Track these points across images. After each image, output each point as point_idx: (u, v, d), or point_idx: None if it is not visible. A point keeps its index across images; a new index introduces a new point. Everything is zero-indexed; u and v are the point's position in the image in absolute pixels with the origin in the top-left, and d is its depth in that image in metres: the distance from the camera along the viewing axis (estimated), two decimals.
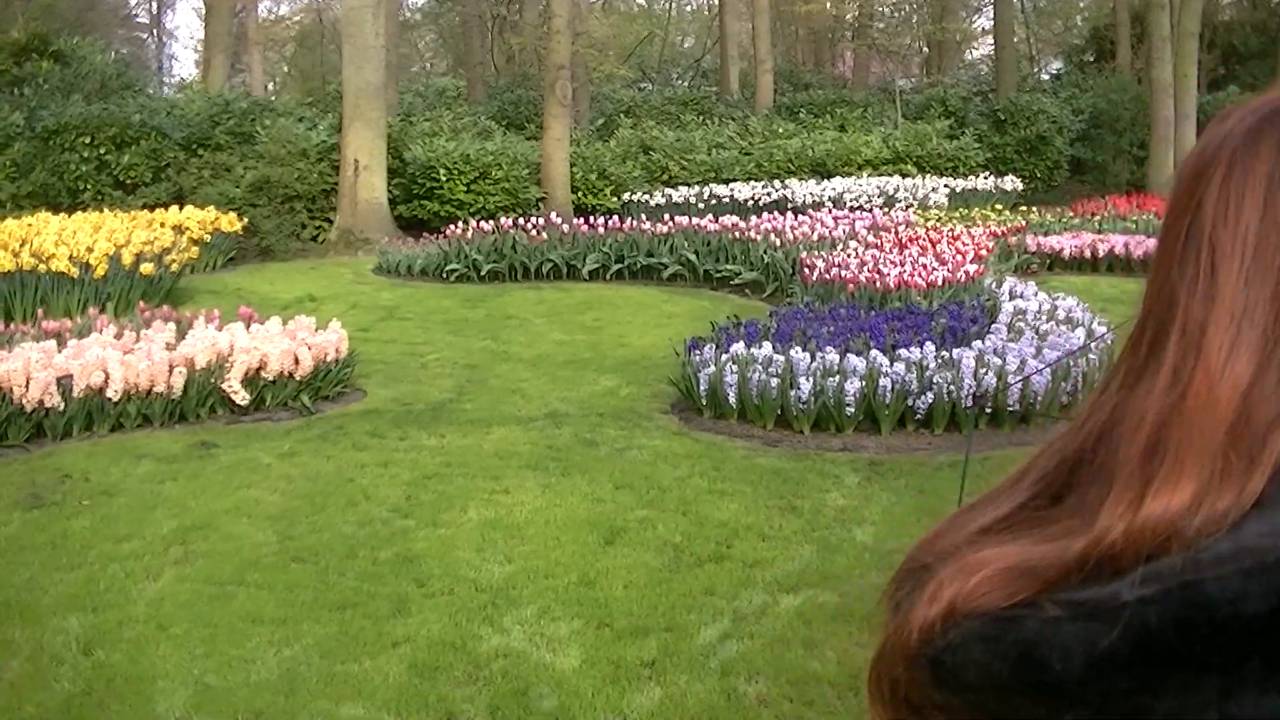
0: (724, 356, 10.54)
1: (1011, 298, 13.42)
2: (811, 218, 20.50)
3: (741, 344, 10.74)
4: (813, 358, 10.32)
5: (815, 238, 18.35)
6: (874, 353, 10.33)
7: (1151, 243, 17.41)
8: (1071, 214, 23.53)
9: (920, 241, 17.58)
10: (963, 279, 14.31)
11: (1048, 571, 0.90)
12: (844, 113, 33.47)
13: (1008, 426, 10.12)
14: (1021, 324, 11.94)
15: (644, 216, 21.53)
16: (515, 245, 20.01)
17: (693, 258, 19.25)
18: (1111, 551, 0.88)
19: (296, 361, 11.10)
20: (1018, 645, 0.88)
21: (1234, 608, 0.82)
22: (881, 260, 15.43)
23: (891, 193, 25.79)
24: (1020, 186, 29.34)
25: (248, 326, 11.69)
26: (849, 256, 15.96)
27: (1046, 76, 51.30)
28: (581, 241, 20.24)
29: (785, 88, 39.29)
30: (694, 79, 46.56)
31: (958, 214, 23.10)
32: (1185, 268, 0.98)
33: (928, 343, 10.62)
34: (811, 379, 9.94)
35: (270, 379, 10.97)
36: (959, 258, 15.69)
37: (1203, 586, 0.83)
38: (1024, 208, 25.09)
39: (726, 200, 26.41)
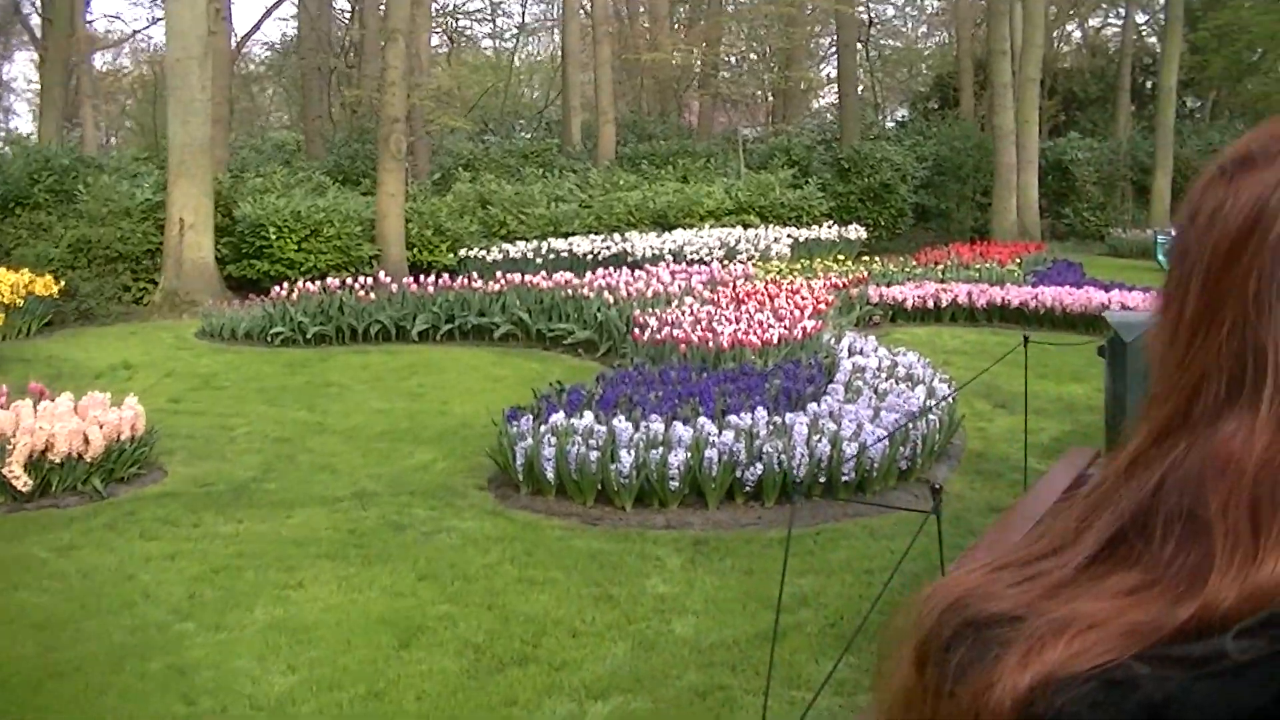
0: (543, 428, 9.94)
1: (851, 354, 13.04)
2: (649, 273, 20.06)
3: (562, 414, 10.14)
4: (636, 427, 9.77)
5: (650, 294, 17.84)
6: (702, 420, 9.81)
7: (995, 291, 17.01)
8: (915, 263, 23.26)
9: (758, 296, 17.16)
10: (800, 335, 13.85)
11: (1153, 635, 0.80)
12: (686, 163, 33.10)
13: (843, 496, 9.60)
14: (860, 382, 11.53)
15: (478, 274, 20.95)
16: (343, 306, 19.27)
17: (525, 317, 18.67)
18: (1224, 616, 0.79)
19: (87, 441, 10.28)
20: (1145, 709, 0.77)
21: None
22: (717, 317, 14.96)
23: (733, 244, 25.40)
24: (864, 235, 29.19)
25: (36, 404, 10.81)
26: (683, 314, 15.47)
27: (892, 124, 51.62)
28: (411, 301, 19.56)
29: (629, 138, 38.96)
30: (537, 131, 45.93)
31: (799, 265, 22.79)
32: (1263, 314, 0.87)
33: (759, 408, 10.11)
34: (634, 451, 9.36)
35: (57, 461, 10.13)
36: (797, 312, 15.30)
37: None
38: (866, 257, 24.90)
39: (565, 255, 25.87)
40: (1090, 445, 9.51)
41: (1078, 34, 54.99)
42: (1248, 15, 39.73)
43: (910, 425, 10.13)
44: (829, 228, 28.72)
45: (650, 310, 16.30)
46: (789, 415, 10.02)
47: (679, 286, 18.42)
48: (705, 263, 24.12)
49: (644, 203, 28.87)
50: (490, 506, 9.77)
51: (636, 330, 15.07)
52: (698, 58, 42.63)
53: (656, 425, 9.71)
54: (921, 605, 0.91)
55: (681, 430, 9.57)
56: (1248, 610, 0.77)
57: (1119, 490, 0.91)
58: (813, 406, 10.43)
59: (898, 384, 11.58)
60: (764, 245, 25.51)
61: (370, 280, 20.04)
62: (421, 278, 20.65)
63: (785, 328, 14.09)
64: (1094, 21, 54.25)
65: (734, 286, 18.34)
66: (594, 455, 9.46)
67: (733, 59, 49.12)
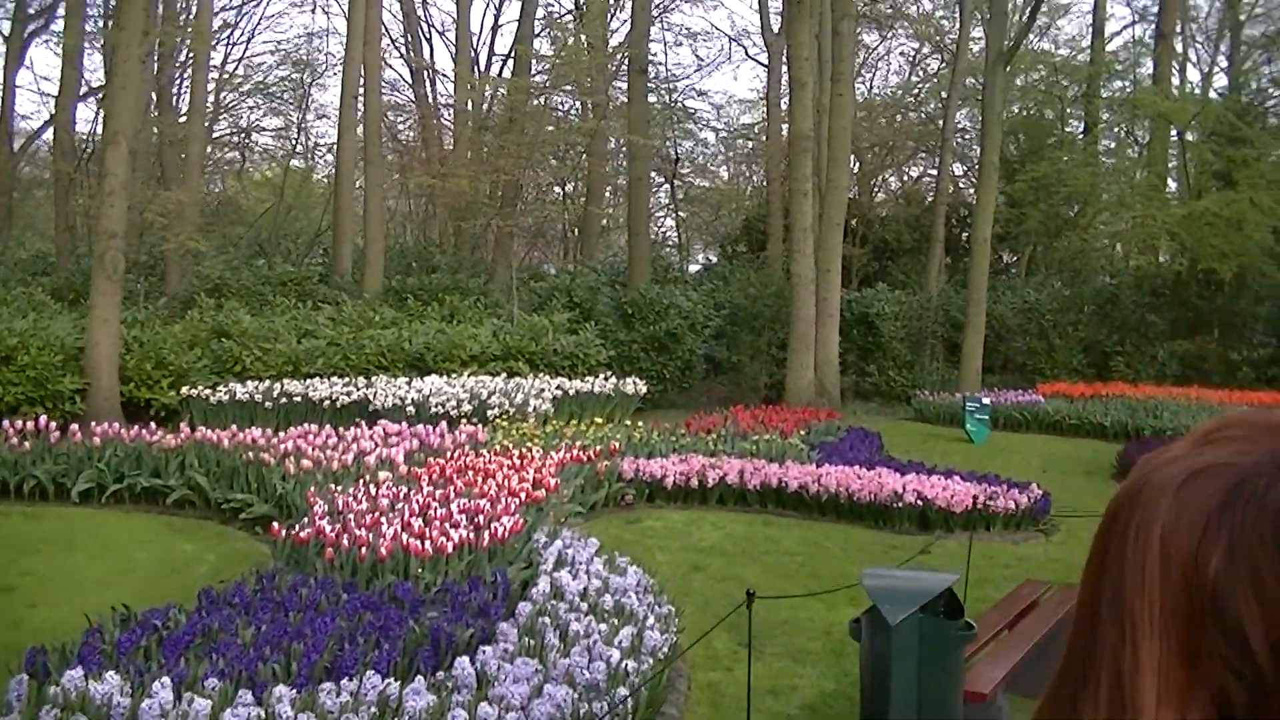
0: (53, 689, 6.82)
1: (558, 565, 10.11)
2: (357, 434, 16.96)
3: (80, 670, 6.99)
4: (179, 697, 6.69)
5: (335, 466, 14.72)
6: (280, 691, 6.77)
7: (771, 470, 14.05)
8: (684, 430, 20.35)
9: (477, 471, 14.20)
10: (494, 538, 10.80)
11: None
12: (455, 300, 30.10)
13: None
14: (553, 613, 8.61)
15: (200, 416, 17.63)
16: None
17: (203, 481, 15.44)
18: None
19: None
20: None
21: None
22: (409, 502, 11.90)
23: (485, 397, 22.44)
24: (644, 389, 26.45)
25: None
26: (362, 495, 12.36)
27: (697, 267, 49.43)
28: (76, 454, 16.20)
29: (410, 268, 36.09)
30: (310, 255, 42.56)
31: (552, 427, 19.95)
32: (1109, 620, 1.08)
33: (379, 669, 7.13)
34: None
35: None
36: (512, 501, 12.30)
37: None
38: (629, 422, 22.04)
39: (299, 399, 22.82)
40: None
41: (895, 182, 53.46)
42: (1065, 168, 38.29)
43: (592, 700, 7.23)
44: (607, 379, 25.95)
45: (331, 487, 13.22)
46: (415, 683, 7.02)
47: (382, 455, 15.25)
48: (452, 418, 21.27)
49: (397, 343, 25.85)
50: None
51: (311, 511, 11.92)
52: (493, 186, 39.70)
53: (203, 701, 6.62)
54: None
55: (247, 712, 6.53)
56: None
57: None
58: (462, 664, 7.39)
59: (600, 620, 8.67)
60: (521, 399, 22.56)
61: (21, 425, 16.63)
62: (101, 425, 17.31)
63: (479, 525, 11.05)
64: (914, 170, 52.85)
65: (448, 458, 15.31)
66: None
67: (530, 190, 46.51)
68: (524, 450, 16.23)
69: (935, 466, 17.70)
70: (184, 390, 23.07)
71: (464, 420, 20.65)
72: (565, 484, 14.96)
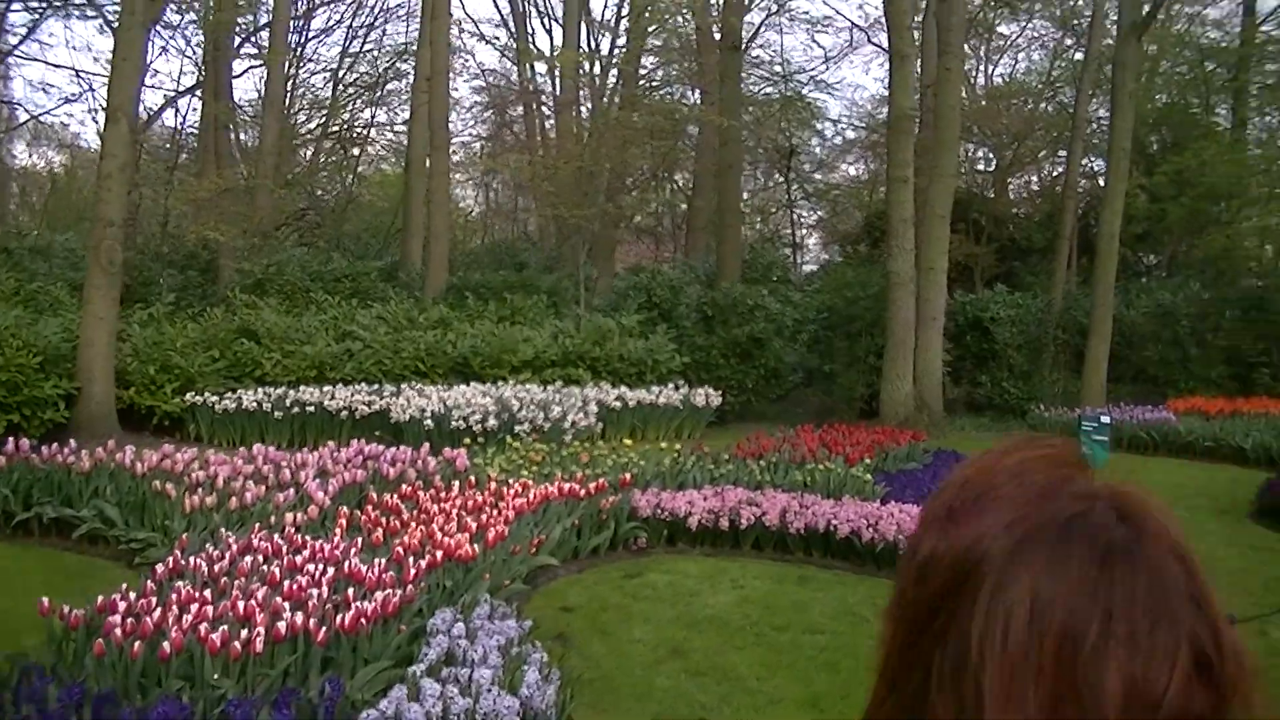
0: None
1: (442, 664, 7.12)
2: (305, 458, 13.98)
3: None
4: None
5: (234, 505, 11.75)
6: None
7: (821, 508, 10.57)
8: (732, 455, 17.04)
9: (424, 512, 11.24)
10: (349, 625, 7.69)
11: None
12: (517, 299, 27.07)
13: None
14: None
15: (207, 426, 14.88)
16: None
17: (114, 513, 12.62)
18: None
19: None
20: None
21: None
22: (280, 561, 8.94)
23: (516, 409, 19.47)
24: (719, 401, 23.32)
25: None
26: (236, 547, 9.42)
27: (812, 268, 46.18)
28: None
29: (493, 266, 33.41)
30: (388, 252, 39.69)
31: (582, 447, 16.87)
32: (944, 683, 1.08)
33: None
34: None
35: None
36: (418, 561, 9.26)
37: None
38: (696, 439, 18.91)
39: (312, 409, 20.13)
40: None
41: (1034, 179, 49.70)
42: (1209, 159, 34.23)
43: None
44: (675, 389, 22.89)
45: (223, 533, 10.30)
46: None
47: (313, 489, 12.24)
48: (474, 433, 18.39)
49: (438, 346, 22.99)
50: None
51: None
52: (595, 175, 36.53)
53: None
54: None
55: None
56: None
57: None
58: None
59: None
60: (559, 413, 19.55)
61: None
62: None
63: (346, 600, 7.98)
64: (1054, 168, 48.89)
65: (399, 493, 12.28)
66: None
67: (635, 182, 43.46)
68: (521, 482, 13.19)
69: None
70: (189, 397, 20.48)
71: (478, 439, 17.79)
72: (546, 527, 11.93)
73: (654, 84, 47.46)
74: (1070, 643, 1.06)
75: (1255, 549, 14.22)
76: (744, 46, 45.72)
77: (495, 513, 11.25)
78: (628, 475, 14.07)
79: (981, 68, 52.60)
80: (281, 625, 7.37)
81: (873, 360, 26.92)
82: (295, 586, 8.10)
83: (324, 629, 7.41)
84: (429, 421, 18.91)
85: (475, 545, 9.94)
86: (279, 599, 7.82)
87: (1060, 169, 45.81)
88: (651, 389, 22.65)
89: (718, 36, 33.26)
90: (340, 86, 48.87)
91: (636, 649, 9.35)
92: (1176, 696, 1.06)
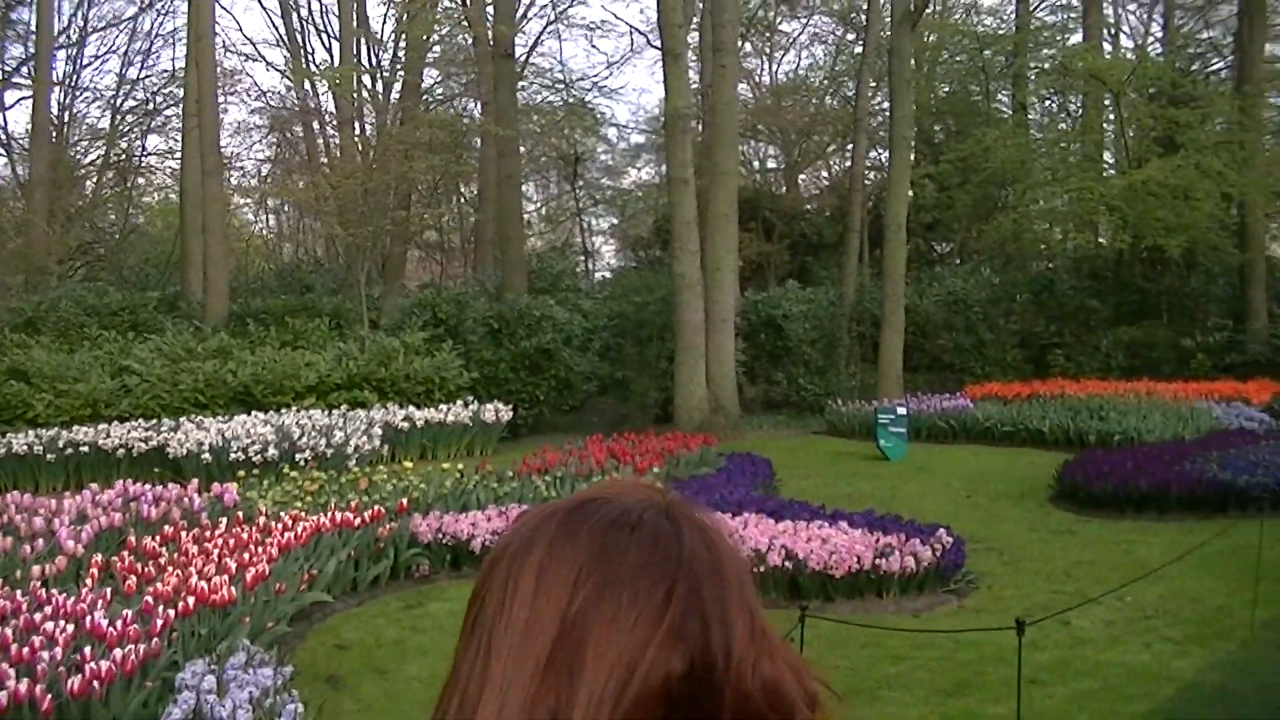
0: None
1: None
2: (57, 505, 13.35)
3: None
4: None
5: None
6: None
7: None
8: (517, 472, 16.78)
9: (184, 558, 10.75)
10: (79, 689, 7.26)
11: None
12: (299, 323, 26.42)
13: None
14: None
15: None
16: None
17: None
18: None
19: None
20: None
21: None
22: (44, 619, 8.43)
23: (297, 437, 18.99)
24: (509, 416, 23.05)
25: None
26: None
27: (607, 275, 46.04)
28: None
29: (274, 290, 32.61)
30: (163, 279, 38.53)
31: (362, 472, 16.42)
32: (468, 650, 1.19)
33: None
34: None
35: None
36: (185, 602, 8.83)
37: None
38: (483, 454, 18.57)
39: (86, 449, 19.40)
40: None
41: (825, 175, 50.20)
42: (991, 145, 34.76)
43: None
44: (464, 406, 22.58)
45: None
46: None
47: (62, 537, 11.65)
48: (254, 464, 17.87)
49: (217, 376, 22.35)
50: None
51: None
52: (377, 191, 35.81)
53: None
54: None
55: None
56: None
57: None
58: None
59: None
60: (341, 438, 19.12)
61: None
62: None
63: (76, 665, 7.52)
64: (843, 162, 49.31)
65: (150, 541, 11.71)
66: None
67: (421, 198, 42.96)
68: (288, 515, 12.72)
69: (822, 506, 14.11)
70: None
71: (255, 471, 17.27)
72: (319, 561, 11.53)
73: (438, 98, 47.08)
74: (568, 600, 1.14)
75: (1056, 533, 14.36)
76: (527, 56, 45.63)
77: (259, 550, 10.79)
78: (404, 500, 13.69)
79: (766, 66, 53.06)
80: (2, 695, 6.92)
81: (665, 365, 26.83)
82: (27, 650, 7.61)
83: (49, 696, 6.96)
84: (207, 455, 18.35)
85: (235, 588, 9.52)
86: (4, 665, 7.33)
87: (849, 163, 46.34)
88: (440, 407, 22.36)
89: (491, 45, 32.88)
90: (118, 115, 47.53)
91: (411, 687, 9.04)
92: (654, 664, 1.12)
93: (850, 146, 43.20)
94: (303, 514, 12.82)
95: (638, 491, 1.26)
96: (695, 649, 1.13)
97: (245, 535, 11.54)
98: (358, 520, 12.57)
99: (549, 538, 1.19)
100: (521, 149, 45.50)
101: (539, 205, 54.96)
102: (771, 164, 50.92)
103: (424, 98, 43.91)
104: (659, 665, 1.12)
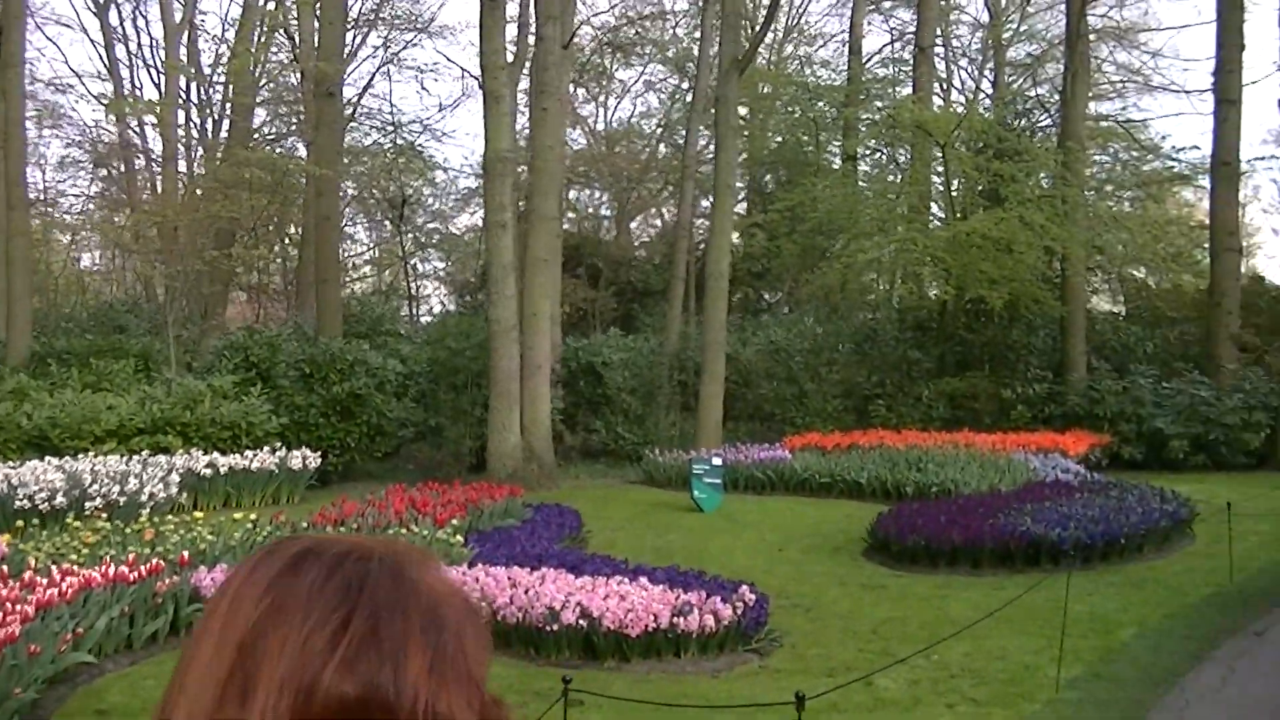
0: None
1: None
2: None
3: None
4: None
5: None
6: None
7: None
8: (312, 522, 16.36)
9: None
10: None
11: None
12: (104, 364, 25.59)
13: None
14: None
15: None
16: None
17: None
18: None
19: None
20: None
21: None
22: None
23: (87, 484, 18.33)
24: (317, 463, 22.57)
25: None
26: None
27: (428, 320, 45.62)
28: None
29: (94, 329, 31.72)
30: None
31: (149, 523, 15.80)
32: (170, 686, 1.19)
33: None
34: None
35: None
36: None
37: None
38: (289, 502, 18.10)
39: None
40: None
41: (657, 222, 50.40)
42: (820, 194, 35.06)
43: None
44: (271, 453, 22.07)
45: None
46: None
47: None
48: (40, 513, 17.18)
49: (10, 419, 21.56)
50: None
51: None
52: (199, 229, 35.03)
53: None
54: None
55: None
56: None
57: None
58: None
59: None
60: (136, 486, 18.51)
61: None
62: None
63: None
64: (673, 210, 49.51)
65: None
66: None
67: (236, 236, 42.20)
68: (56, 569, 12.14)
69: (625, 561, 13.82)
70: None
71: (37, 520, 16.60)
72: (87, 619, 11.01)
73: (268, 137, 46.41)
74: (247, 624, 1.15)
75: (866, 588, 14.24)
76: (359, 97, 45.30)
77: (14, 609, 10.25)
78: (186, 553, 13.17)
79: (600, 113, 53.22)
80: None
81: (479, 412, 26.50)
82: None
83: None
84: None
85: None
86: None
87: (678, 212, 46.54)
88: (246, 454, 21.82)
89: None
90: None
91: None
92: (329, 689, 1.11)
93: (676, 192, 43.56)
94: (75, 568, 12.25)
95: (366, 540, 1.27)
96: (366, 678, 1.12)
97: (4, 592, 10.96)
98: (134, 574, 12.03)
99: (250, 566, 1.22)
100: (351, 191, 45.21)
101: (369, 248, 54.45)
102: (606, 210, 50.96)
103: (254, 137, 43.29)
104: (333, 690, 1.11)
